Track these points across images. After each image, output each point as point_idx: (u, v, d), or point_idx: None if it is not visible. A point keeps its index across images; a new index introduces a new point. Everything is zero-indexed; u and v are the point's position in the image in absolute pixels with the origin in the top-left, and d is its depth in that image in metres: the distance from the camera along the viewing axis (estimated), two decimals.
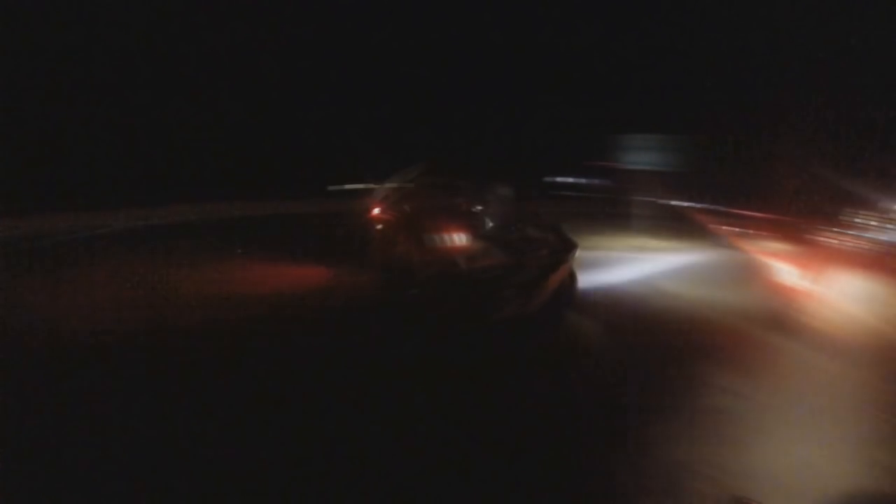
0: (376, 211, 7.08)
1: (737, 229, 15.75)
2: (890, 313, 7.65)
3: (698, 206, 20.21)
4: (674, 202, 23.99)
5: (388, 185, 7.67)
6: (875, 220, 18.50)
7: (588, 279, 7.27)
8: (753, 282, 8.63)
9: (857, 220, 18.99)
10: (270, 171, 19.29)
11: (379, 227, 6.97)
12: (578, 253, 6.24)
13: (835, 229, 11.64)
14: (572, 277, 6.28)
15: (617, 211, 16.60)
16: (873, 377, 5.14)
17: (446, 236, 5.52)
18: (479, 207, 6.15)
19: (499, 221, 5.95)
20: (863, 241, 14.58)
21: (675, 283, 8.51)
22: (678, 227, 16.27)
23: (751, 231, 15.45)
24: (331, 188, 17.76)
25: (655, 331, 5.91)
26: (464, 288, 5.40)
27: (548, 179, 22.32)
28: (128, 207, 15.10)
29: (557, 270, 5.76)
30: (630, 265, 9.84)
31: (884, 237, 16.17)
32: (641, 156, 14.07)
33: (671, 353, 5.20)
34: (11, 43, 17.10)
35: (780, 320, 6.39)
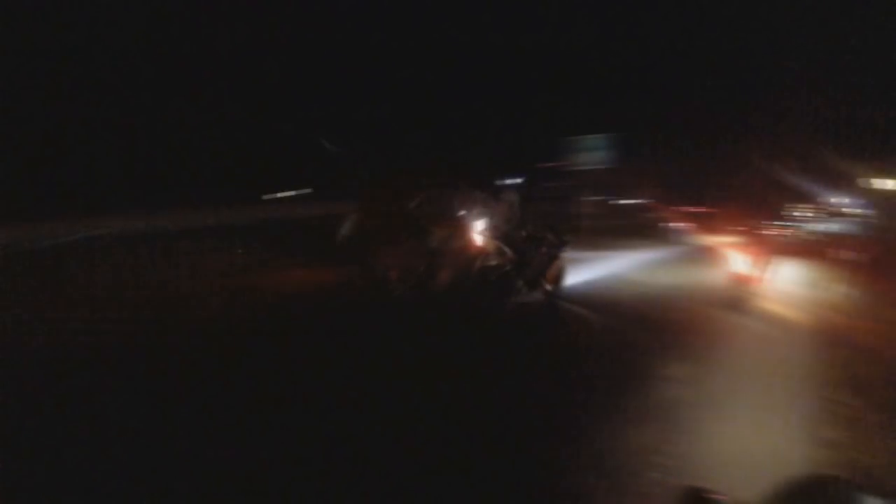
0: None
1: (687, 224, 16.55)
2: (826, 295, 8.43)
3: (648, 202, 21.05)
4: (624, 201, 25.04)
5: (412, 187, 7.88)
6: (812, 213, 19.97)
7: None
8: (710, 271, 9.43)
9: (796, 213, 20.38)
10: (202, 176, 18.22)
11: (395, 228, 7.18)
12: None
13: (778, 222, 12.46)
14: (562, 269, 7.08)
15: (569, 211, 16.86)
16: (814, 358, 5.30)
17: (470, 237, 6.45)
18: (493, 211, 6.87)
19: (509, 223, 6.72)
20: (802, 231, 15.91)
21: (641, 274, 9.38)
22: (631, 224, 16.90)
23: (699, 225, 16.39)
24: (266, 196, 17.16)
25: (626, 314, 6.45)
26: (483, 282, 6.25)
27: (498, 182, 22.54)
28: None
29: (553, 265, 6.74)
30: (598, 262, 10.08)
31: (820, 228, 17.65)
32: (591, 156, 14.10)
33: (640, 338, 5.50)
34: (11, 43, 16.29)
35: (733, 304, 7.08)
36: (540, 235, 6.82)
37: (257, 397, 3.81)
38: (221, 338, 5.25)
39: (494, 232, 6.54)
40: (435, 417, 3.63)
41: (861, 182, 17.42)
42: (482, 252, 6.42)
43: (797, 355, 5.34)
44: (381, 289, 6.49)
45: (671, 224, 16.80)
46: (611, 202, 22.62)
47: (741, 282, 7.48)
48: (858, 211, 17.53)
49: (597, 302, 6.89)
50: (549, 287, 6.73)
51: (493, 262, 6.36)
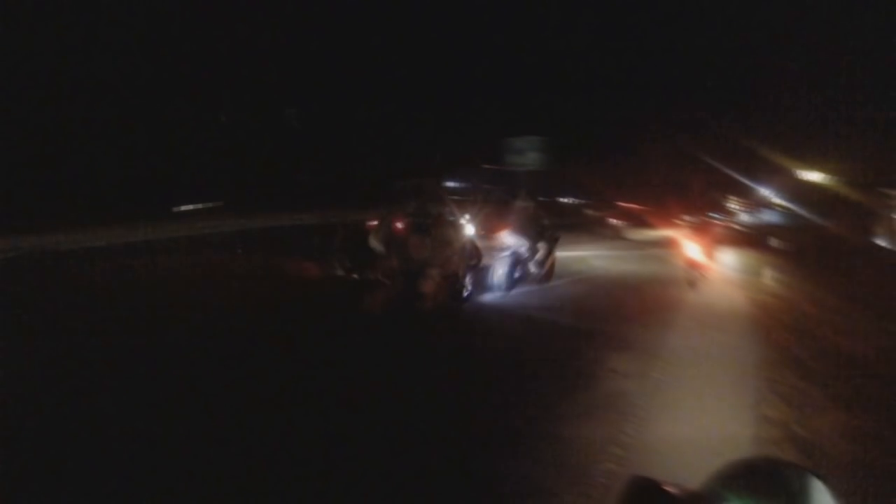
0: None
1: (628, 220, 17.43)
2: (762, 279, 9.26)
3: (590, 201, 21.89)
4: (564, 199, 25.89)
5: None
6: (747, 206, 21.45)
7: None
8: (654, 262, 10.65)
9: (733, 206, 21.75)
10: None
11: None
12: None
13: (717, 215, 13.43)
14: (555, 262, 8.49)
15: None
16: (754, 339, 5.54)
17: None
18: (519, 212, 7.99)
19: (527, 221, 7.82)
20: (739, 223, 17.23)
21: (596, 265, 10.39)
22: (576, 222, 17.38)
23: (640, 220, 17.32)
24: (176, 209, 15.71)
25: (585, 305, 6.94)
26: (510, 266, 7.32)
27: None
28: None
29: (552, 253, 8.17)
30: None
31: (754, 219, 19.11)
32: (528, 157, 14.13)
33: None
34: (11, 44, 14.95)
35: (689, 285, 8.07)
36: (541, 230, 7.84)
37: (254, 396, 3.71)
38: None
39: (522, 230, 7.62)
40: (401, 416, 3.49)
41: (789, 175, 18.69)
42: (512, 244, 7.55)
43: (738, 338, 5.53)
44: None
45: (614, 220, 17.47)
46: (556, 201, 23.39)
47: (694, 266, 8.26)
48: (785, 203, 18.87)
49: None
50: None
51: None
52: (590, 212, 19.37)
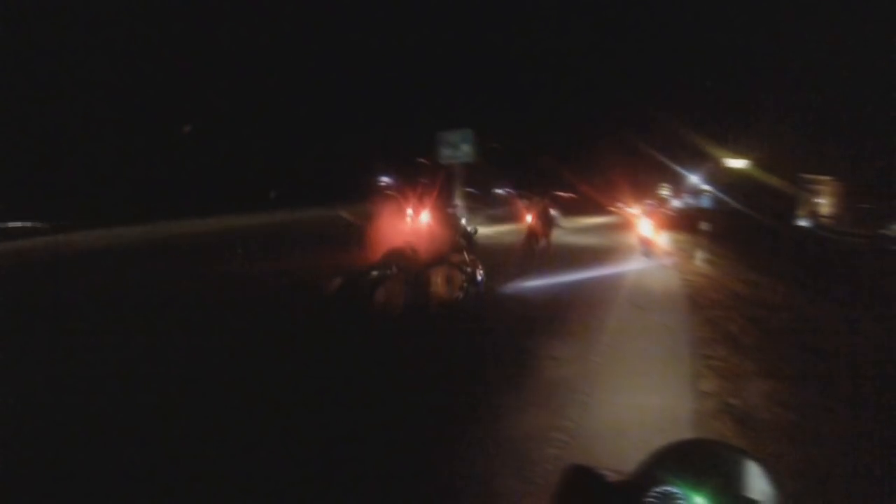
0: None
1: (562, 208, 18.43)
2: (692, 260, 9.88)
3: (520, 191, 22.70)
4: (499, 191, 26.60)
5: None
6: (679, 192, 23.07)
7: None
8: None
9: (666, 192, 23.14)
10: None
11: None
12: None
13: (652, 201, 14.37)
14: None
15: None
16: (687, 317, 5.71)
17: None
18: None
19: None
20: (673, 209, 18.58)
21: None
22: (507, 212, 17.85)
23: (569, 208, 18.54)
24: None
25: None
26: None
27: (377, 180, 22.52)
28: None
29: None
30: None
31: (684, 205, 20.75)
32: (461, 150, 13.70)
33: None
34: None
35: (642, 254, 9.94)
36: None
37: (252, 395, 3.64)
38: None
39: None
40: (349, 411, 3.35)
41: (718, 163, 19.89)
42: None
43: (673, 317, 5.68)
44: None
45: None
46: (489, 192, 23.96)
47: (646, 243, 10.25)
48: (714, 189, 20.23)
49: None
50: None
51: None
52: (524, 202, 19.83)
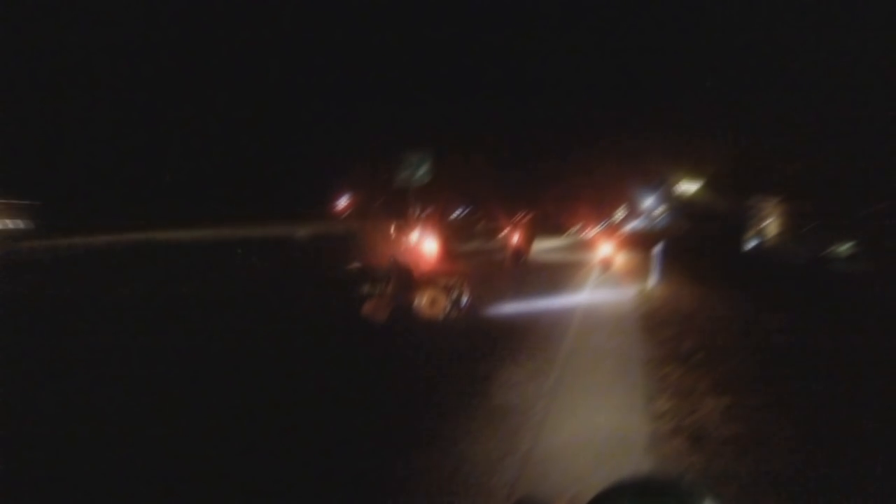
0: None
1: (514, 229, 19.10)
2: (645, 279, 10.08)
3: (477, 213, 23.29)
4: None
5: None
6: (631, 215, 23.85)
7: None
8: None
9: (620, 215, 23.86)
10: None
11: None
12: None
13: (607, 222, 15.06)
14: None
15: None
16: (642, 337, 5.79)
17: None
18: None
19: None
20: (626, 229, 19.25)
21: None
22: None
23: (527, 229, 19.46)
24: None
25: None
26: None
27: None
28: None
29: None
30: None
31: (636, 226, 21.52)
32: (419, 171, 13.57)
33: None
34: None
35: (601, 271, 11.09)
36: None
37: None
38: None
39: None
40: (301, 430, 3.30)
41: (667, 187, 20.72)
42: None
43: (628, 337, 5.75)
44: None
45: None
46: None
47: (604, 262, 11.37)
48: (670, 210, 21.08)
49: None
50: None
51: None
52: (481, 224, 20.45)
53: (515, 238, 11.05)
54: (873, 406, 3.73)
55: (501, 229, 14.15)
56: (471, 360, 4.83)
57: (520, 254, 10.62)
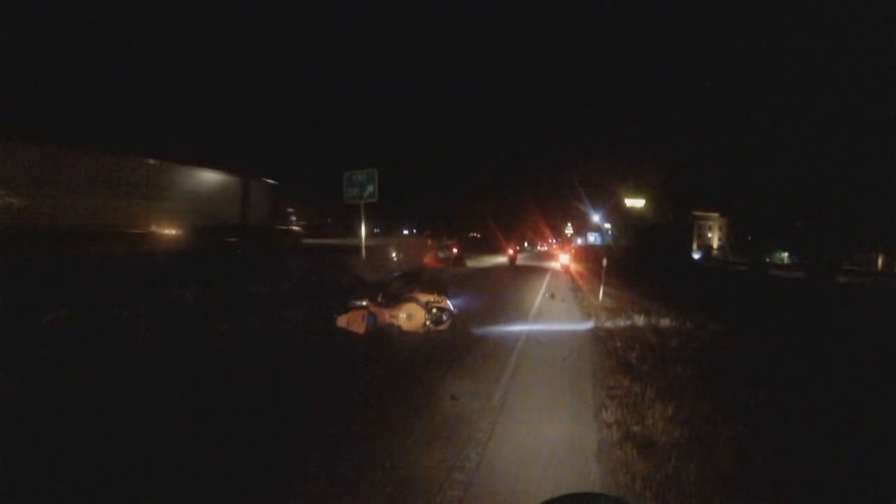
0: None
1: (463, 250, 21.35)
2: (593, 291, 10.39)
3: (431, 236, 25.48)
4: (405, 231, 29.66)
5: None
6: (580, 233, 24.95)
7: None
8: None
9: (569, 232, 24.81)
10: None
11: None
12: None
13: (555, 240, 16.07)
14: None
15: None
16: (589, 347, 5.87)
17: None
18: None
19: None
20: (579, 245, 20.17)
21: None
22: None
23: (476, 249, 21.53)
24: None
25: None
26: None
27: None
28: None
29: None
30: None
31: (584, 243, 22.64)
32: (366, 190, 13.32)
33: None
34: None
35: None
36: None
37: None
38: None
39: None
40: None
41: (616, 202, 21.66)
42: None
43: (575, 349, 5.82)
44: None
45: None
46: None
47: (564, 269, 14.30)
48: (612, 226, 22.09)
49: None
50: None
51: None
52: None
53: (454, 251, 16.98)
54: (809, 408, 3.93)
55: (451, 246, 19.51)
56: (423, 370, 4.72)
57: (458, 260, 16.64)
